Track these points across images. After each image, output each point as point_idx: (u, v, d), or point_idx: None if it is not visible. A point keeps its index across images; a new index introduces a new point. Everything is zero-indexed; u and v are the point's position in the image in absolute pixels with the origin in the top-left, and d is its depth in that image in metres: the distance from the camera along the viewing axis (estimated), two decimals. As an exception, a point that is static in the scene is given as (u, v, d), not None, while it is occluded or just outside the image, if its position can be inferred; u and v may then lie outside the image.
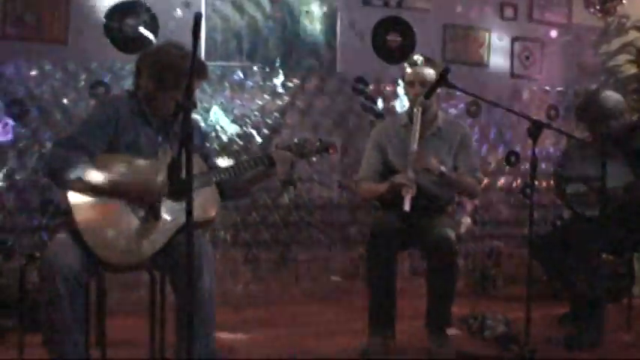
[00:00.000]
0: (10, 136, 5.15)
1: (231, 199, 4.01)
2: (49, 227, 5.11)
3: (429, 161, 4.21)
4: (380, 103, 6.06)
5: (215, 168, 3.75)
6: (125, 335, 4.37)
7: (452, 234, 4.19)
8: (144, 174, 3.43)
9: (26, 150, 5.18)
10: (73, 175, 3.26)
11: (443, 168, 4.23)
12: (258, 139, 5.69)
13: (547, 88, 6.70)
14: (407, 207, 4.06)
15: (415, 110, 4.26)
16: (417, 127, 4.23)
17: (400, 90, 5.94)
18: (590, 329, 4.43)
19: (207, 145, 4.14)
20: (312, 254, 5.89)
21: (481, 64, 6.45)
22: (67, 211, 3.33)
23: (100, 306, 3.79)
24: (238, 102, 5.67)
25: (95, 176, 3.31)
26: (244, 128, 5.66)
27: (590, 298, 4.45)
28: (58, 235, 3.36)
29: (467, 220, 6.28)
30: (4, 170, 5.13)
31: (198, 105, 5.09)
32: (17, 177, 5.17)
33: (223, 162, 3.97)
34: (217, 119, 5.57)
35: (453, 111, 6.26)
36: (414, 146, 4.19)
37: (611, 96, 4.71)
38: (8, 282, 4.81)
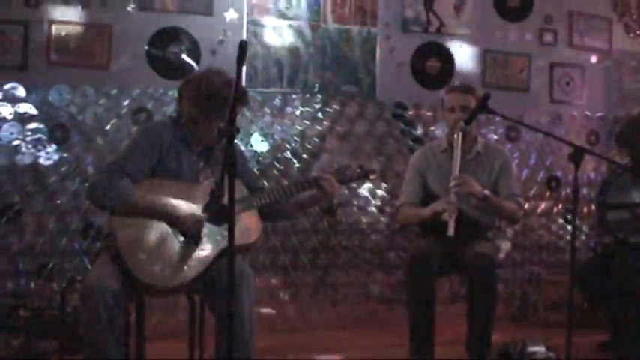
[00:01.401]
0: (52, 161, 5.21)
1: (274, 221, 4.03)
2: (91, 251, 5.15)
3: (473, 185, 4.22)
4: (419, 129, 6.06)
5: (259, 190, 3.77)
6: (164, 358, 4.38)
7: (490, 251, 4.19)
8: (187, 199, 3.47)
9: (68, 174, 5.25)
10: (116, 199, 3.30)
11: (487, 192, 4.23)
12: (298, 165, 5.71)
13: (587, 113, 6.65)
14: (451, 232, 4.06)
15: (455, 136, 4.26)
16: (458, 152, 4.23)
17: (438, 115, 5.93)
18: (632, 357, 4.37)
19: (250, 168, 4.16)
20: (351, 278, 5.88)
21: (521, 89, 6.42)
22: (109, 234, 3.37)
23: (140, 329, 3.81)
24: (278, 127, 5.70)
25: (138, 201, 3.36)
26: (284, 154, 5.69)
27: (632, 325, 4.39)
28: (100, 259, 3.40)
29: (507, 245, 6.23)
30: (46, 194, 5.19)
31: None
32: (59, 201, 5.23)
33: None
34: (257, 144, 5.60)
35: (492, 136, 6.23)
36: (456, 171, 4.19)
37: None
38: (49, 305, 4.86)
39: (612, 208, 4.63)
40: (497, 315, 4.20)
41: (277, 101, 5.71)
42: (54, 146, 5.23)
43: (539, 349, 4.68)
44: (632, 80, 6.83)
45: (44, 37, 5.24)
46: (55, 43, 5.26)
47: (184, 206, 3.44)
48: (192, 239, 3.43)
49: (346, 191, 5.78)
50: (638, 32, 6.84)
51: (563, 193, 6.52)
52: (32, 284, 5.13)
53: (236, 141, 2.71)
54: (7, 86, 5.15)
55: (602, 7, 6.73)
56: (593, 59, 6.71)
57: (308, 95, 5.79)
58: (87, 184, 3.41)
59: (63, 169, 5.24)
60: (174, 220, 3.41)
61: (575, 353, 3.53)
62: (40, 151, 5.19)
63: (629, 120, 4.93)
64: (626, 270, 4.42)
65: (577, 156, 3.54)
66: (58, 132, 5.25)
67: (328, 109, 5.83)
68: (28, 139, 5.18)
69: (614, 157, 5.61)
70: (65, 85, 5.26)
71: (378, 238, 5.96)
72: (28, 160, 5.18)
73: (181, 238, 3.42)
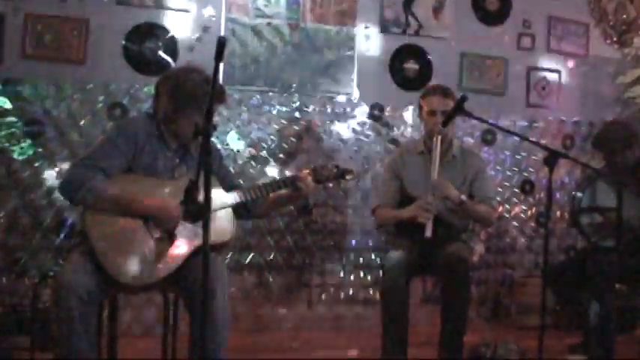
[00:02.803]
0: (26, 155, 5.17)
1: (248, 219, 4.02)
2: (64, 247, 5.11)
3: (450, 189, 4.23)
4: (396, 130, 6.06)
5: (236, 188, 3.76)
6: (137, 356, 4.36)
7: (464, 252, 4.21)
8: (161, 194, 3.45)
9: (42, 169, 5.20)
10: (89, 194, 3.28)
11: (463, 196, 4.25)
12: (274, 163, 5.70)
13: (563, 118, 6.69)
14: (428, 233, 4.08)
15: (435, 139, 4.27)
16: (437, 155, 4.24)
17: (414, 116, 5.94)
18: (603, 359, 4.40)
19: (226, 165, 4.15)
20: (325, 279, 5.87)
21: (497, 92, 6.44)
22: (82, 231, 3.35)
23: (112, 326, 3.78)
24: (255, 126, 5.69)
25: (112, 195, 3.33)
26: (260, 152, 5.67)
27: (602, 328, 4.42)
28: (73, 255, 3.37)
29: (480, 248, 6.26)
30: (20, 189, 5.14)
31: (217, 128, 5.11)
32: (32, 196, 5.18)
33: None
34: (234, 142, 5.59)
35: (469, 139, 6.25)
36: (435, 174, 4.20)
37: (628, 127, 4.72)
38: (21, 301, 4.82)
39: (586, 212, 4.66)
40: (470, 316, 4.22)
41: (255, 100, 5.69)
42: (28, 141, 5.18)
43: (512, 350, 4.71)
44: (609, 86, 6.87)
45: (20, 30, 5.19)
46: (31, 36, 5.21)
47: (159, 202, 3.42)
48: (167, 234, 3.41)
49: (322, 191, 5.77)
50: (615, 38, 6.89)
51: (538, 196, 6.56)
52: (4, 280, 5.09)
53: (213, 139, 2.70)
54: (-19, 80, 5.12)
55: (580, 12, 6.77)
56: (570, 64, 6.75)
57: (286, 94, 5.78)
58: (60, 179, 3.37)
59: (37, 164, 5.19)
60: (150, 209, 3.39)
61: (547, 355, 3.56)
62: (13, 145, 5.15)
63: (607, 125, 4.96)
64: (598, 273, 4.45)
65: (551, 160, 3.56)
66: (32, 126, 5.20)
67: (306, 109, 5.83)
68: (2, 133, 5.13)
69: (589, 162, 5.65)
70: (40, 79, 5.22)
71: (354, 238, 5.96)
72: (1, 154, 5.13)
73: (156, 235, 3.40)
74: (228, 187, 3.73)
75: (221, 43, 2.59)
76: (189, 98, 3.48)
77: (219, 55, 2.60)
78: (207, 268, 2.60)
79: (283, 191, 3.83)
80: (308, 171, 3.90)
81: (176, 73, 3.63)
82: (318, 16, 5.86)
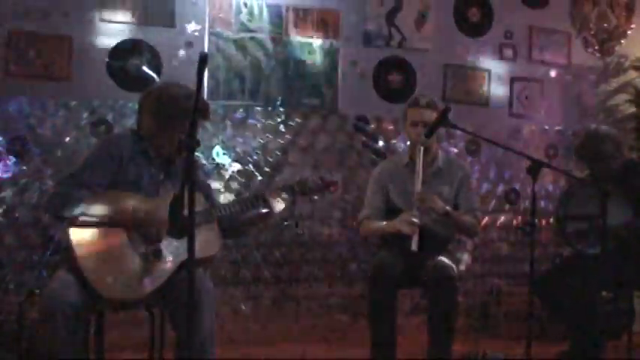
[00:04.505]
0: (10, 173, 5.15)
1: (230, 238, 4.01)
2: (50, 264, 5.09)
3: (434, 201, 4.25)
4: (380, 142, 6.07)
5: (215, 205, 3.76)
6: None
7: (451, 264, 4.22)
8: (147, 207, 3.44)
9: (27, 187, 5.18)
10: (75, 210, 3.28)
11: (448, 208, 4.27)
12: (260, 178, 5.70)
13: (546, 127, 6.72)
14: (414, 247, 4.10)
15: (418, 150, 4.29)
16: (420, 166, 4.26)
17: (399, 128, 5.96)
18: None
19: (208, 183, 4.15)
20: (313, 292, 5.87)
21: (481, 103, 6.47)
22: (67, 247, 3.34)
23: (99, 343, 3.77)
24: (240, 140, 5.69)
25: (98, 208, 3.33)
26: (246, 166, 5.67)
27: (590, 336, 4.43)
28: (59, 272, 3.37)
29: (467, 258, 6.27)
30: (4, 207, 5.12)
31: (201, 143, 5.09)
32: (17, 214, 5.16)
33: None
34: (219, 157, 5.59)
35: (453, 149, 6.27)
36: (419, 186, 4.22)
37: (610, 135, 4.74)
38: (7, 318, 4.79)
39: (571, 220, 4.68)
40: (457, 326, 4.23)
41: (239, 114, 5.70)
42: (12, 158, 5.16)
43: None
44: (591, 94, 6.92)
45: (3, 47, 5.18)
46: (15, 53, 5.20)
47: (145, 214, 3.42)
48: (153, 250, 3.41)
49: (308, 203, 5.77)
50: (596, 47, 6.94)
51: (523, 205, 6.58)
52: (-10, 298, 5.07)
53: (197, 153, 2.70)
54: (-36, 97, 5.10)
55: (562, 22, 6.81)
56: (553, 74, 6.78)
57: (270, 108, 5.78)
58: (45, 197, 3.38)
59: (22, 181, 5.17)
60: (137, 214, 3.39)
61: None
62: (-3, 162, 5.14)
63: (588, 133, 4.98)
64: (584, 281, 4.47)
65: (535, 169, 3.58)
66: (16, 144, 5.18)
67: (290, 122, 5.83)
68: (-14, 150, 5.12)
69: (573, 170, 5.68)
70: (24, 96, 5.20)
71: (340, 250, 5.97)
72: (-15, 172, 5.12)
73: (141, 250, 3.40)
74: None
75: (202, 60, 2.59)
76: (171, 114, 3.49)
77: (201, 72, 2.60)
78: (193, 284, 2.60)
79: (252, 211, 3.80)
80: (280, 188, 3.89)
81: (158, 90, 3.64)
82: (301, 29, 5.88)
